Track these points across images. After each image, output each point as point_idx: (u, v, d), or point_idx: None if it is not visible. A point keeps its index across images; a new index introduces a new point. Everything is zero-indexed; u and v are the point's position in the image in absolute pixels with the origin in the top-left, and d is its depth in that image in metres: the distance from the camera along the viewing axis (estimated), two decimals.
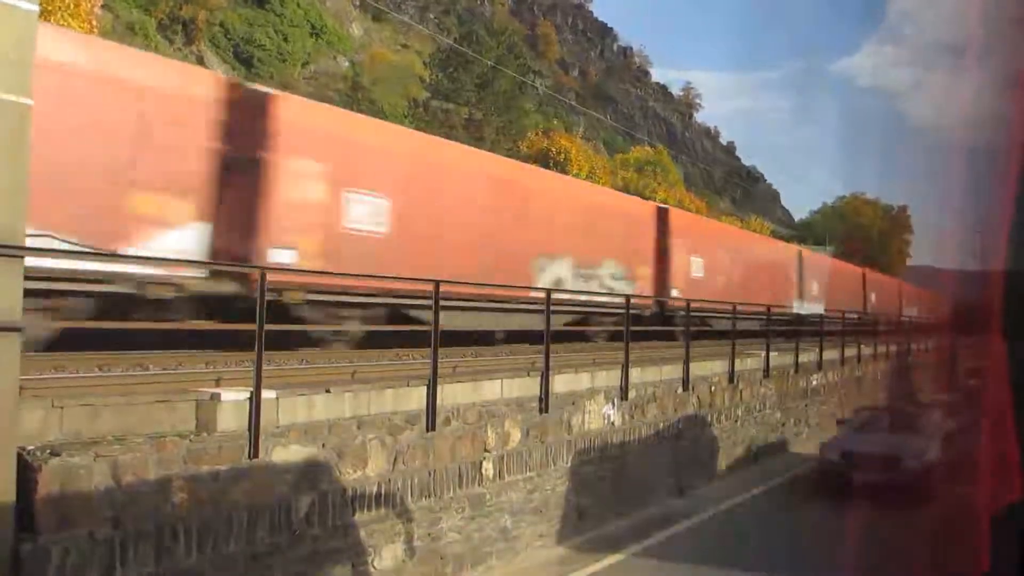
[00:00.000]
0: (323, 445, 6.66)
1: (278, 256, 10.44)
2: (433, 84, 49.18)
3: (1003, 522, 2.43)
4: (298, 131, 10.90)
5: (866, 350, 24.84)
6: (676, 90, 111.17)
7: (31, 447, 4.80)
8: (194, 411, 5.77)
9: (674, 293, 19.18)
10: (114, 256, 8.69)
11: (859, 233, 77.83)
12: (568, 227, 16.13)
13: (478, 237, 13.88)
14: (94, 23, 21.38)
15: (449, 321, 12.48)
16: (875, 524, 8.61)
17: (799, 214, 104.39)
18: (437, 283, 8.27)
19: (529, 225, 15.12)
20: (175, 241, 9.40)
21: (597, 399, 10.63)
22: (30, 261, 5.15)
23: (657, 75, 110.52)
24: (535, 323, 14.29)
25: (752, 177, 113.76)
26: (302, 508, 6.41)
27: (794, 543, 10.00)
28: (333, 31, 58.58)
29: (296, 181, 10.85)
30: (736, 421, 15.07)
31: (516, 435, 9.05)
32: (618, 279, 17.44)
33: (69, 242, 8.19)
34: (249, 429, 5.98)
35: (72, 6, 19.66)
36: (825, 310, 27.36)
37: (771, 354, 16.78)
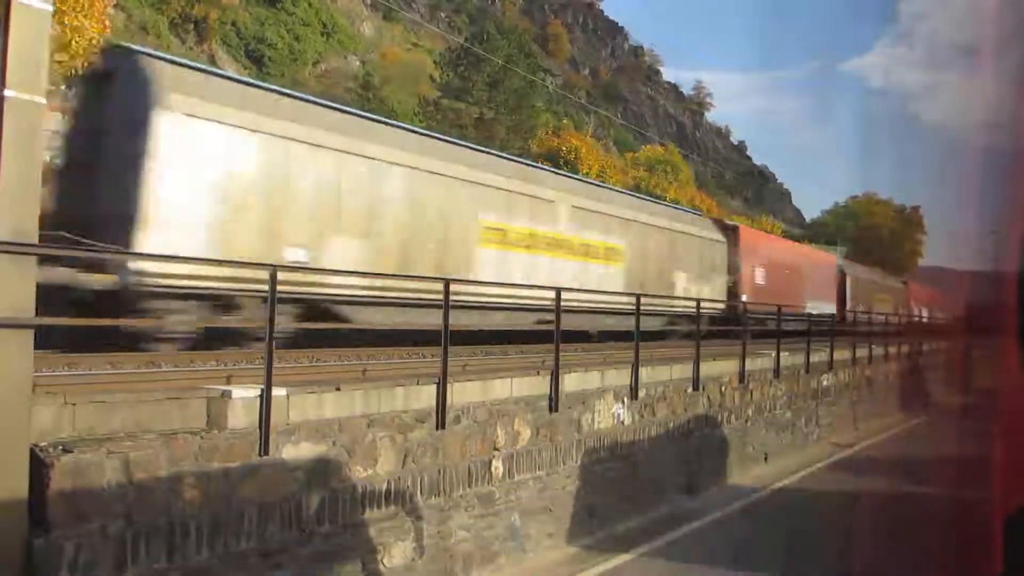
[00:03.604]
0: (333, 443, 6.67)
1: None
2: (444, 83, 49.07)
3: (1016, 523, 2.42)
4: None
5: (877, 350, 24.74)
6: (687, 89, 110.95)
7: (44, 443, 4.83)
8: (205, 408, 5.78)
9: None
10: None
11: (871, 233, 77.39)
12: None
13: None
14: (107, 23, 21.47)
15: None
16: (889, 525, 8.57)
17: (810, 214, 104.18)
18: (447, 282, 8.28)
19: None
20: None
21: (607, 398, 10.61)
22: None
23: (668, 75, 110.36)
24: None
25: (763, 176, 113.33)
26: (312, 505, 6.43)
27: (807, 544, 9.94)
28: (344, 30, 58.69)
29: None
30: (747, 421, 15.01)
31: (526, 434, 9.04)
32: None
33: None
34: (260, 426, 6.00)
35: (86, 6, 19.74)
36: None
37: (782, 354, 16.71)
